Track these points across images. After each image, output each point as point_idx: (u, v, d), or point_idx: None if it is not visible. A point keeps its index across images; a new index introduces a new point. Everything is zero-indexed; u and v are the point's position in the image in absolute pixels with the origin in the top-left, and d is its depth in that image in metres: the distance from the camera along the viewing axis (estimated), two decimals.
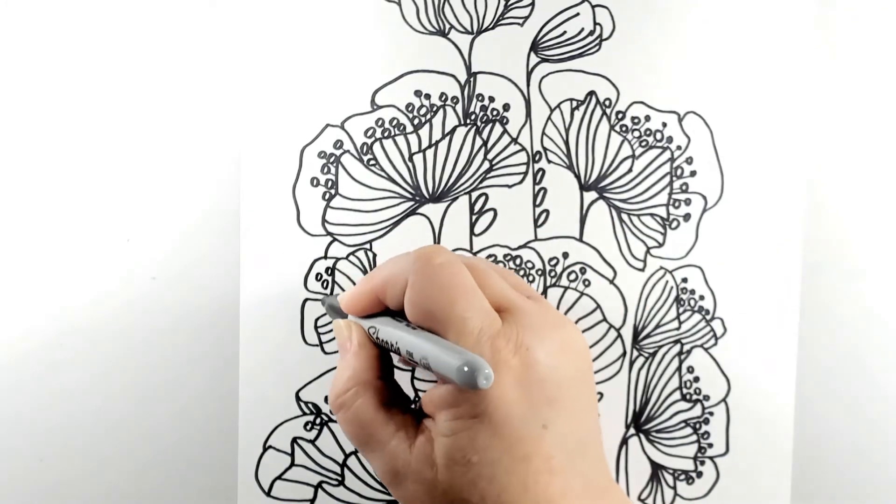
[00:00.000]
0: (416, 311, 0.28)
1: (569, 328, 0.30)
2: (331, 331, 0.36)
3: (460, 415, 0.26)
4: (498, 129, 0.37)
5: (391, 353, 0.30)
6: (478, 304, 0.27)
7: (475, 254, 0.37)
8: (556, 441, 0.27)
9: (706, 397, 0.39)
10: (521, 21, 0.37)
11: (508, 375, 0.26)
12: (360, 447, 0.29)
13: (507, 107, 0.37)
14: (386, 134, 0.36)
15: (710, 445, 0.40)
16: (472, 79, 0.36)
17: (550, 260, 0.37)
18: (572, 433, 0.28)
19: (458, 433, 0.26)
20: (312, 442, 0.36)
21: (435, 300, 0.27)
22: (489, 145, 0.37)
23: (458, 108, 0.36)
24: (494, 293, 0.29)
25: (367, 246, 0.36)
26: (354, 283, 0.36)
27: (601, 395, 0.38)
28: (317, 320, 0.36)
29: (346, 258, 0.36)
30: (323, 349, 0.36)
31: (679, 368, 0.39)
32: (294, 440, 0.36)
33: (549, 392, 0.27)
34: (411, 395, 0.36)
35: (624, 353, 0.39)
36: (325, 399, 0.36)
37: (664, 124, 0.38)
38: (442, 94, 0.36)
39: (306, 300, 0.35)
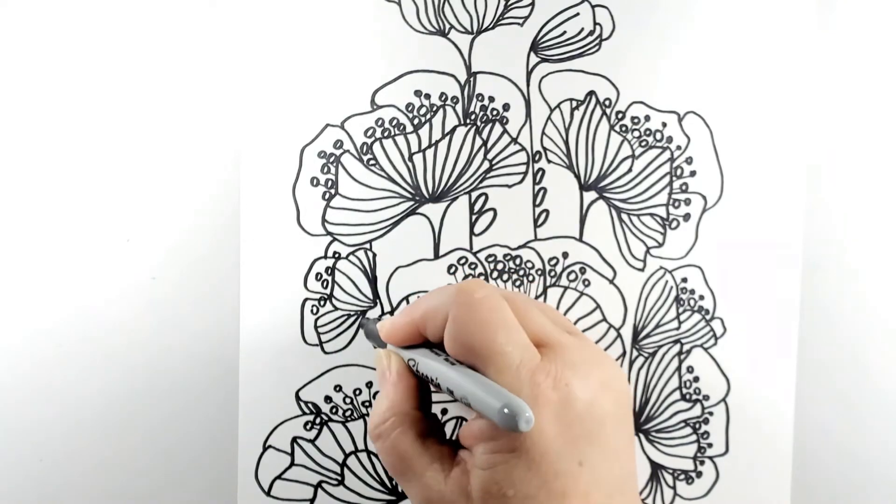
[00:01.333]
0: (456, 345, 0.28)
1: (608, 365, 0.30)
2: (331, 330, 0.36)
3: (498, 448, 0.27)
4: (498, 128, 0.37)
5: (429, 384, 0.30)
6: (517, 338, 0.28)
7: (475, 254, 0.37)
8: (593, 478, 0.27)
9: (706, 397, 0.39)
10: (520, 21, 0.37)
11: (547, 411, 0.26)
12: (397, 476, 0.30)
13: (506, 107, 0.37)
14: (386, 134, 0.36)
15: (710, 445, 0.39)
16: (471, 79, 0.36)
17: (550, 260, 0.37)
18: (609, 471, 0.28)
19: (495, 466, 0.27)
20: (312, 441, 0.36)
21: (475, 335, 0.28)
22: (489, 145, 0.37)
23: (458, 107, 0.36)
24: (534, 328, 0.29)
25: (367, 246, 0.36)
26: (356, 285, 0.36)
27: None
28: (316, 320, 0.36)
29: (346, 258, 0.36)
30: (323, 349, 0.36)
31: (679, 368, 0.39)
32: (294, 440, 0.36)
33: (587, 429, 0.27)
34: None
35: (624, 353, 0.39)
36: (326, 399, 0.36)
37: (664, 124, 0.38)
38: (442, 93, 0.36)
39: (306, 300, 0.35)
